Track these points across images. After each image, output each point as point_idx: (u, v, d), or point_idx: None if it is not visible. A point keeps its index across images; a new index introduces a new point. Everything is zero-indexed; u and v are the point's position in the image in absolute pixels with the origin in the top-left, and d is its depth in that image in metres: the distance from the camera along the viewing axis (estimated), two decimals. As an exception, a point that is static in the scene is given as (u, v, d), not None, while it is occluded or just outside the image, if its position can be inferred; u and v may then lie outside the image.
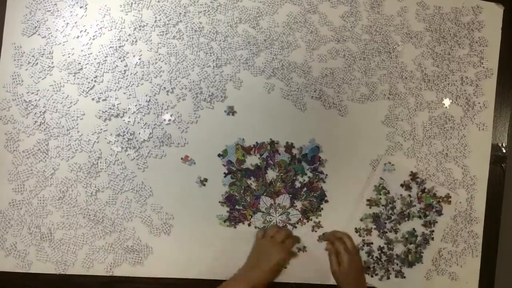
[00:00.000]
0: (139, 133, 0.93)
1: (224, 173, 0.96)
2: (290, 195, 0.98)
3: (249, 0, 0.97)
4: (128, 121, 0.93)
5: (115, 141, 0.93)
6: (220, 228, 0.96)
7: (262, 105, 0.97)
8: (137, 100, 0.93)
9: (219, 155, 0.96)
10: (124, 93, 0.93)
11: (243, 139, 0.97)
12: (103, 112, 0.92)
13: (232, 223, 0.96)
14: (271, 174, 0.97)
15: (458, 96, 1.03)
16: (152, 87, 0.94)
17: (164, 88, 0.94)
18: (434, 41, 1.03)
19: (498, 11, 1.06)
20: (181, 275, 0.95)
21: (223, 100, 0.96)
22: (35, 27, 0.92)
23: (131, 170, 0.93)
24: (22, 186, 0.91)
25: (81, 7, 0.93)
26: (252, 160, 0.97)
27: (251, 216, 0.96)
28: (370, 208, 0.99)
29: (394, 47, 1.01)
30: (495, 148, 1.05)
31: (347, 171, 1.00)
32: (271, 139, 0.97)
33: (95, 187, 0.92)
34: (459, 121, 1.03)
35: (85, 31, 0.93)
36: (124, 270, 0.94)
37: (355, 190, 1.00)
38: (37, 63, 0.92)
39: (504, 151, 1.06)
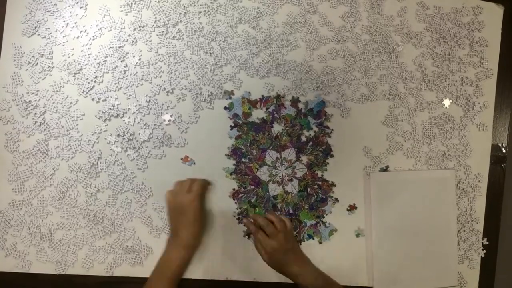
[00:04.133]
0: (139, 134, 0.93)
1: (230, 126, 0.96)
2: (296, 149, 0.98)
3: (249, 1, 0.97)
4: (128, 122, 0.93)
5: (115, 141, 0.93)
6: (219, 228, 0.96)
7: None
8: (137, 101, 0.93)
9: (225, 108, 0.96)
10: (124, 94, 0.93)
11: (249, 93, 0.97)
12: (103, 112, 0.92)
13: (239, 175, 0.96)
14: (277, 128, 0.97)
15: (458, 97, 1.03)
16: (152, 87, 0.94)
17: (164, 88, 0.94)
18: (434, 41, 1.03)
19: (498, 11, 1.06)
20: (181, 275, 0.95)
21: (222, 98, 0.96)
22: (35, 27, 0.92)
23: (131, 171, 0.93)
24: (22, 186, 0.91)
25: (81, 8, 0.93)
26: (258, 114, 0.97)
27: (257, 170, 0.97)
28: None
29: (394, 47, 1.01)
30: (495, 148, 1.05)
31: (347, 164, 1.00)
32: (277, 93, 0.97)
33: (95, 187, 0.92)
34: (459, 121, 1.03)
35: (85, 31, 0.93)
36: (124, 270, 0.94)
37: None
38: (37, 63, 0.92)
39: (504, 151, 1.06)
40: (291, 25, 0.98)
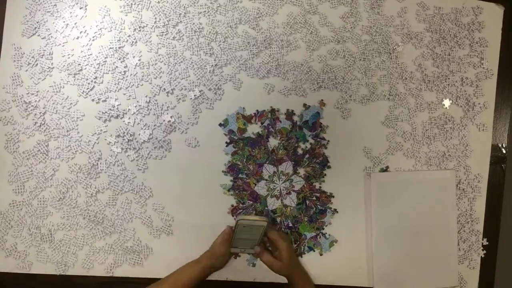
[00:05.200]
0: (139, 134, 0.93)
1: (226, 142, 0.96)
2: (293, 162, 0.98)
3: (249, 1, 0.97)
4: (128, 122, 0.93)
5: (115, 142, 0.93)
6: (220, 229, 0.96)
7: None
8: (137, 101, 0.93)
9: (220, 125, 0.96)
10: (124, 94, 0.93)
11: (244, 108, 0.97)
12: (103, 113, 0.92)
13: (236, 191, 0.96)
14: (273, 142, 0.97)
15: (458, 97, 1.03)
16: (152, 88, 0.94)
17: (164, 89, 0.94)
18: (434, 41, 1.03)
19: (498, 11, 1.06)
20: (181, 276, 0.95)
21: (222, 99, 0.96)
22: (35, 28, 0.92)
23: (131, 171, 0.93)
24: (22, 187, 0.91)
25: (80, 8, 0.93)
26: (253, 129, 0.97)
27: (255, 185, 0.97)
28: None
29: (394, 47, 1.01)
30: (495, 148, 1.05)
31: (348, 159, 1.00)
32: (271, 107, 0.97)
33: (95, 188, 0.92)
34: (459, 121, 1.03)
35: (84, 32, 0.93)
36: (124, 270, 0.94)
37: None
38: (37, 64, 0.92)
39: (504, 151, 1.06)
40: (291, 25, 0.98)
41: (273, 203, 0.97)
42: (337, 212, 0.99)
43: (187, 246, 0.94)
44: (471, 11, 1.05)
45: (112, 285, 0.94)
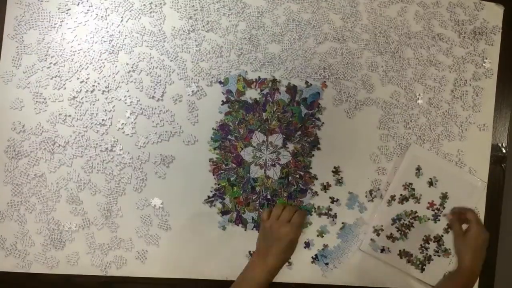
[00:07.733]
0: (139, 134, 0.93)
1: (222, 101, 0.96)
2: (284, 136, 0.98)
3: (250, -1, 0.97)
4: (128, 120, 0.93)
5: (114, 141, 0.93)
6: (219, 227, 0.96)
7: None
8: (138, 100, 0.94)
9: (220, 82, 0.96)
10: (125, 96, 0.93)
11: (246, 72, 0.97)
12: (103, 111, 0.92)
13: (222, 151, 0.95)
14: (268, 111, 0.97)
15: (458, 97, 1.03)
16: (152, 88, 0.94)
17: (164, 88, 0.94)
18: (433, 41, 1.03)
19: (498, 11, 1.06)
20: (181, 275, 0.95)
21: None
22: (36, 27, 0.92)
23: (131, 169, 0.93)
24: (22, 186, 0.91)
25: (84, 14, 0.93)
26: (251, 94, 0.97)
27: (242, 149, 0.96)
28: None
29: (395, 51, 1.01)
30: (495, 148, 1.05)
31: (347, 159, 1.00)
32: (273, 76, 0.98)
33: (95, 187, 0.92)
34: (459, 121, 1.03)
35: (85, 37, 0.93)
36: (125, 270, 0.94)
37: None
38: (37, 63, 0.92)
39: (504, 151, 1.06)
40: (291, 22, 0.98)
41: (256, 172, 0.97)
42: (317, 195, 0.99)
43: (187, 246, 0.95)
44: (471, 11, 1.05)
45: (112, 285, 0.94)
